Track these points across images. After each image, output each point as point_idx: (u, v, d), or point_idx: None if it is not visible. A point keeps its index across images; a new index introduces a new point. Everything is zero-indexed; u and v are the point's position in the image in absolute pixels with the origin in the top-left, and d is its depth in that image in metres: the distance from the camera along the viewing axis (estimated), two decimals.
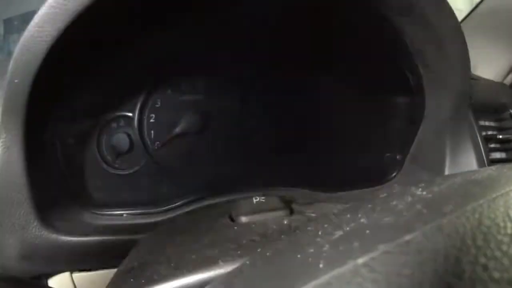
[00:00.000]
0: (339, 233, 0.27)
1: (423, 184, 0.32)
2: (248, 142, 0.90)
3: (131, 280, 0.42)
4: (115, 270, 0.63)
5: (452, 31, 0.66)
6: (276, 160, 0.91)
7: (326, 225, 0.29)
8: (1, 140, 0.61)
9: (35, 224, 0.64)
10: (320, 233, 0.28)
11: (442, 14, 0.65)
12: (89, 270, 0.72)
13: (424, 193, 0.29)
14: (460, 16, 0.69)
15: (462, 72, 0.69)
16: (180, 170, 0.88)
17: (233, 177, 0.87)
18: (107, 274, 0.71)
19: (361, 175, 0.87)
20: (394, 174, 0.85)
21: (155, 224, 0.73)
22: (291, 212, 0.56)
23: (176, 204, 0.79)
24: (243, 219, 0.53)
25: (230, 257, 0.41)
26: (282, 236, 0.46)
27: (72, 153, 0.78)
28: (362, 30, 0.74)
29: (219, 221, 0.54)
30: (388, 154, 0.90)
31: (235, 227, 0.51)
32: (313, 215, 0.54)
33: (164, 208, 0.78)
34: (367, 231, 0.25)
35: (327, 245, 0.25)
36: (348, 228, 0.27)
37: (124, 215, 0.77)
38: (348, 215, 0.30)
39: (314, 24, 0.77)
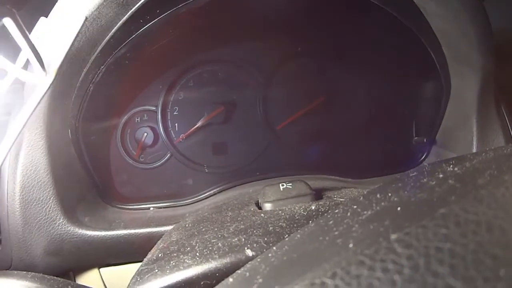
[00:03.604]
0: (368, 212, 0.25)
1: (453, 161, 0.30)
2: (272, 131, 0.89)
3: (156, 270, 0.42)
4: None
5: (473, 9, 0.64)
6: (302, 148, 0.90)
7: (355, 206, 0.28)
8: (25, 139, 0.61)
9: (61, 220, 0.65)
10: (348, 214, 0.27)
11: None
12: (117, 265, 0.72)
13: (456, 169, 0.28)
14: None
15: (485, 50, 0.67)
16: (205, 162, 0.87)
17: (259, 167, 0.87)
18: (134, 269, 0.70)
19: (389, 160, 0.85)
20: (422, 158, 0.83)
21: (182, 215, 0.72)
22: (319, 197, 0.55)
23: (202, 195, 0.79)
24: (270, 206, 0.52)
25: (256, 244, 0.41)
26: (310, 221, 0.44)
27: (96, 149, 0.78)
28: (385, 11, 0.73)
29: (246, 209, 0.54)
30: (416, 138, 0.88)
31: (262, 214, 0.50)
32: (341, 199, 0.53)
33: (191, 199, 0.78)
34: (399, 208, 0.24)
35: (356, 225, 0.24)
36: (378, 208, 0.26)
37: (151, 208, 0.77)
38: (378, 195, 0.29)
39: (338, 8, 0.77)
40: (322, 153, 0.90)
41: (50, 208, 0.65)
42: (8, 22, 0.39)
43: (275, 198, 0.53)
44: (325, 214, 0.31)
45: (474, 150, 0.72)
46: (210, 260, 0.40)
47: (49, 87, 0.48)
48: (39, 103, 0.48)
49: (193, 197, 0.79)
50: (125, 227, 0.69)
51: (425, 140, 0.84)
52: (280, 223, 0.45)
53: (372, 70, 0.89)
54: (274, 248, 0.29)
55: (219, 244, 0.43)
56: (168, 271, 0.40)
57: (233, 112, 0.88)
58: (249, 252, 0.40)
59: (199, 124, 0.86)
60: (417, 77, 0.87)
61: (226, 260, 0.39)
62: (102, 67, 0.68)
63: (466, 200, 0.21)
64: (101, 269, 0.72)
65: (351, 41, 0.85)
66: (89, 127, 0.74)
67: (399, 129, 0.90)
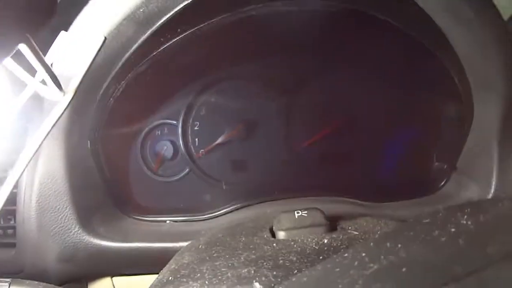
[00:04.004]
0: (375, 267, 0.25)
1: (468, 210, 0.29)
2: (292, 150, 0.88)
3: None
4: (155, 276, 0.64)
5: (497, 33, 0.64)
6: (321, 169, 0.89)
7: (363, 254, 0.28)
8: (43, 149, 0.62)
9: (76, 229, 0.66)
10: (356, 263, 0.27)
11: (487, 16, 0.63)
12: (130, 275, 0.73)
13: (469, 222, 0.27)
14: (505, 14, 0.66)
15: (510, 77, 0.66)
16: (224, 178, 0.87)
17: (277, 185, 0.85)
18: (147, 278, 0.72)
19: (408, 186, 0.84)
20: (441, 184, 0.81)
21: (198, 232, 0.72)
22: (333, 228, 0.54)
23: (220, 212, 0.78)
24: (283, 234, 0.52)
25: (265, 278, 0.40)
26: (321, 258, 0.44)
27: (116, 160, 0.79)
28: (409, 35, 0.72)
29: (259, 235, 0.53)
30: (436, 164, 0.87)
31: (274, 244, 0.49)
32: (355, 233, 0.52)
33: (208, 215, 0.78)
34: (404, 269, 0.23)
35: (360, 281, 0.23)
36: (385, 262, 0.25)
37: (167, 221, 0.77)
38: (388, 244, 0.28)
39: (359, 26, 0.76)
40: (341, 174, 0.89)
41: (66, 216, 0.66)
42: (23, 48, 0.39)
43: (289, 226, 0.53)
44: (334, 257, 0.30)
45: (494, 179, 0.71)
46: None
47: (67, 106, 0.48)
48: (57, 120, 0.49)
49: (210, 213, 0.78)
50: (140, 240, 0.69)
51: (445, 167, 0.83)
52: (290, 257, 0.45)
53: (394, 93, 0.87)
54: None
55: (229, 274, 0.42)
56: None
57: (254, 130, 0.88)
58: (257, 286, 0.39)
59: (219, 140, 0.86)
60: (440, 102, 0.85)
61: None
62: (123, 82, 0.68)
63: (471, 279, 0.20)
64: (114, 278, 0.73)
65: (374, 63, 0.84)
66: (109, 138, 0.74)
67: (419, 154, 0.88)
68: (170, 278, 0.46)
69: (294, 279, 0.29)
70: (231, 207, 0.79)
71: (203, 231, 0.72)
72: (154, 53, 0.68)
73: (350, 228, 0.54)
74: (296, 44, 0.82)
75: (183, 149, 0.85)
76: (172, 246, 0.68)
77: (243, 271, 0.42)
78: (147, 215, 0.77)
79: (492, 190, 0.71)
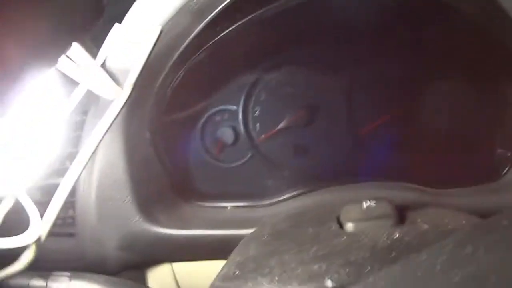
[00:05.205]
0: (459, 273, 0.23)
1: None
2: (355, 135, 0.86)
3: None
4: (214, 262, 0.65)
5: None
6: (383, 154, 0.86)
7: (445, 257, 0.26)
8: (102, 141, 0.63)
9: (137, 218, 0.67)
10: (438, 268, 0.26)
11: None
12: (190, 260, 0.73)
13: None
14: None
15: None
16: (285, 163, 0.86)
17: (339, 171, 0.84)
18: (206, 265, 0.71)
19: (471, 173, 0.80)
20: (504, 172, 0.78)
21: (259, 218, 0.72)
22: (402, 220, 0.52)
23: (282, 197, 0.78)
24: (352, 226, 0.51)
25: (337, 275, 0.40)
26: (393, 254, 0.43)
27: (176, 148, 0.79)
28: (471, 19, 0.69)
29: (326, 227, 0.52)
30: (500, 150, 0.82)
31: (344, 237, 0.48)
32: (425, 226, 0.50)
33: (269, 201, 0.78)
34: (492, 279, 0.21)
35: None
36: (466, 272, 0.23)
37: (229, 207, 0.77)
38: (470, 248, 0.26)
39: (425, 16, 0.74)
40: (403, 160, 0.85)
41: (127, 206, 0.66)
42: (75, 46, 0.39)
43: (358, 217, 0.51)
44: (411, 258, 0.29)
45: None
46: (288, 287, 0.40)
47: (125, 102, 0.48)
48: (116, 117, 0.49)
49: (272, 198, 0.78)
50: (201, 227, 0.69)
51: (509, 154, 0.79)
52: (362, 253, 0.44)
53: (455, 78, 0.84)
54: None
55: (299, 270, 0.42)
56: None
57: (315, 115, 0.85)
58: (329, 284, 0.39)
59: (281, 125, 0.84)
60: (503, 89, 0.82)
61: None
62: (181, 72, 0.68)
63: None
64: (174, 264, 0.74)
65: (434, 47, 0.80)
66: (168, 127, 0.75)
67: (481, 140, 0.84)
68: (237, 272, 0.46)
69: (370, 279, 0.29)
70: (293, 193, 0.78)
71: (265, 218, 0.72)
72: (211, 42, 0.67)
73: (419, 220, 0.52)
74: (356, 26, 0.78)
75: (244, 134, 0.85)
76: (232, 233, 0.68)
77: (313, 267, 0.42)
78: (208, 201, 0.78)
79: None
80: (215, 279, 0.48)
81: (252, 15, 0.66)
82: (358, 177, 0.79)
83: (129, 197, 0.66)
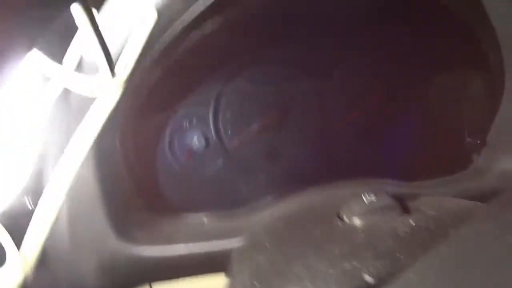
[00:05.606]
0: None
1: None
2: (329, 132, 0.85)
3: None
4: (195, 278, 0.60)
5: None
6: (356, 152, 0.86)
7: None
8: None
9: (112, 236, 0.62)
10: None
11: None
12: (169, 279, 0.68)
13: None
14: None
15: None
16: (260, 167, 0.83)
17: (316, 171, 0.83)
18: (187, 284, 0.68)
19: (443, 163, 0.81)
20: (473, 160, 0.81)
21: (241, 226, 0.69)
22: (406, 210, 0.52)
23: (259, 203, 0.76)
24: (358, 220, 0.49)
25: (373, 269, 0.38)
26: (418, 240, 0.43)
27: (145, 156, 0.76)
28: (448, 10, 0.71)
29: (334, 225, 0.50)
30: (468, 139, 0.84)
31: (360, 232, 0.47)
32: (432, 212, 0.50)
33: (248, 208, 0.76)
34: None
35: None
36: None
37: (206, 218, 0.74)
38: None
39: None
40: (377, 156, 0.87)
41: (100, 223, 0.62)
42: (76, 9, 0.31)
43: (363, 211, 0.50)
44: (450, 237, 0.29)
45: None
46: None
47: (117, 103, 0.42)
48: (108, 116, 0.43)
49: (249, 205, 0.76)
50: (179, 240, 0.66)
51: (478, 142, 0.81)
52: (387, 244, 0.42)
53: (425, 69, 0.85)
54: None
55: (330, 271, 0.40)
56: None
57: (287, 116, 0.84)
58: (369, 279, 0.37)
59: (253, 128, 0.82)
60: (471, 78, 0.84)
61: None
62: (156, 70, 0.66)
63: None
64: (153, 284, 0.69)
65: (406, 39, 0.81)
66: (137, 133, 0.72)
67: (450, 131, 0.86)
68: (255, 283, 0.42)
69: (419, 264, 0.29)
70: (270, 198, 0.76)
71: (248, 225, 0.69)
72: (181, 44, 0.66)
73: (422, 208, 0.52)
74: (326, 26, 0.79)
75: (215, 139, 0.82)
76: (214, 244, 0.65)
77: (345, 265, 0.40)
78: (183, 214, 0.74)
79: None
80: None
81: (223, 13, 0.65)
82: (334, 177, 0.77)
83: (102, 215, 0.62)
